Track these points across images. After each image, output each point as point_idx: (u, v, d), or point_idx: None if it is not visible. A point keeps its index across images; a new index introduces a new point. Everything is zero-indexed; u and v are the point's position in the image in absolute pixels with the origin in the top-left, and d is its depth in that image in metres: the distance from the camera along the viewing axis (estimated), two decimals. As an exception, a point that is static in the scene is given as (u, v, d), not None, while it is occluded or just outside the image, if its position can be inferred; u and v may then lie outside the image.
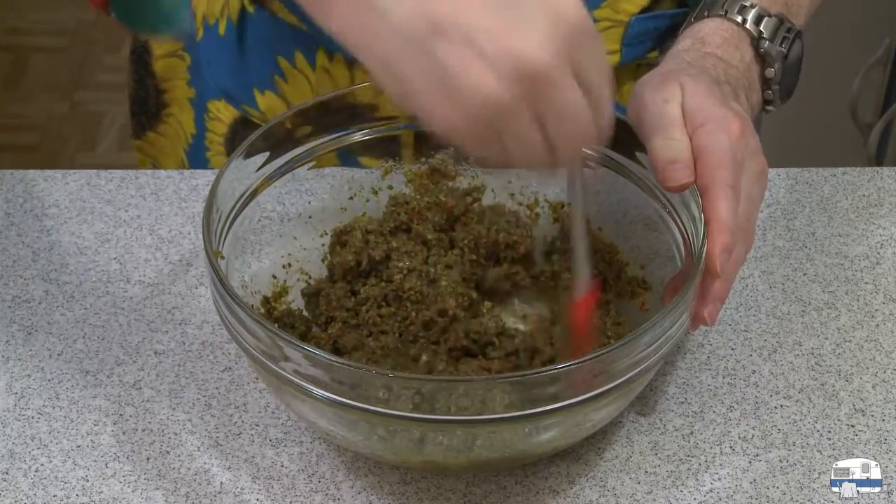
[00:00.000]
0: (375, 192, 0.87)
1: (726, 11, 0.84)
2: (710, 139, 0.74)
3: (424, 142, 0.86)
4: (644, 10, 0.96)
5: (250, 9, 0.99)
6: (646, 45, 0.98)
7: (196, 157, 1.07)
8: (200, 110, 1.05)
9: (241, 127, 1.03)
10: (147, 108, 1.10)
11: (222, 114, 1.04)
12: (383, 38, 0.60)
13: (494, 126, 0.60)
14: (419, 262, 0.81)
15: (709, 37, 0.84)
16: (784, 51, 0.84)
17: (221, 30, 1.01)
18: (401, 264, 0.80)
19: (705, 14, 0.85)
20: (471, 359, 0.78)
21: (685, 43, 0.84)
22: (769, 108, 0.86)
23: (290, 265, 0.84)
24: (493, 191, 0.88)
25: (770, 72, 0.84)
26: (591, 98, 0.63)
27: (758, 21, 0.84)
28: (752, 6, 0.84)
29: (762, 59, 0.84)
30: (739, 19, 0.84)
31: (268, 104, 1.00)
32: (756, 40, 0.84)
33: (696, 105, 0.76)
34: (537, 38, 0.59)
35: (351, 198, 0.87)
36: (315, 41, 0.98)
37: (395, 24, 0.60)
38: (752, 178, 0.76)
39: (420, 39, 0.59)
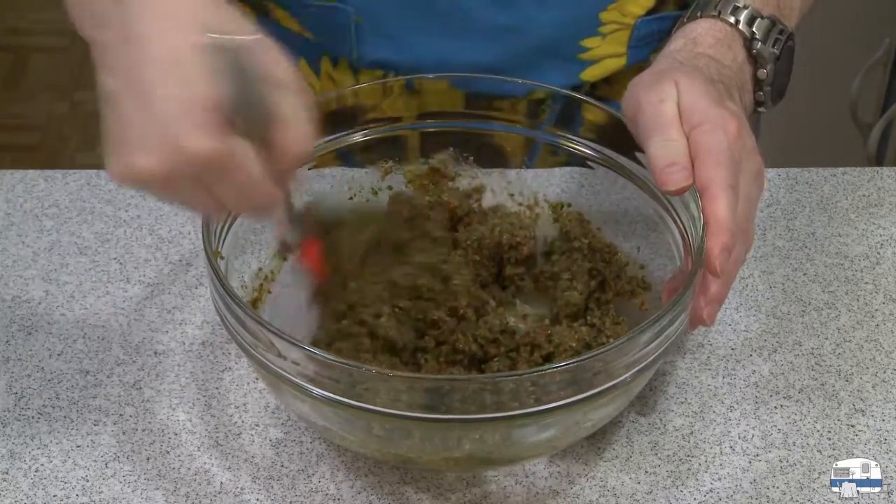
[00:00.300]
0: (375, 193, 0.87)
1: (719, 12, 0.84)
2: (707, 138, 0.74)
3: (425, 143, 0.87)
4: (649, 12, 0.96)
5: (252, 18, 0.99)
6: (651, 48, 0.98)
7: None
8: None
9: None
10: None
11: None
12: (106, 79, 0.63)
13: (163, 190, 0.63)
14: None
15: (701, 37, 0.84)
16: (776, 52, 0.84)
17: None
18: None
19: (698, 14, 0.85)
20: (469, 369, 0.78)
21: (677, 43, 0.84)
22: (761, 108, 0.86)
23: (290, 265, 0.84)
24: (492, 191, 0.88)
25: (762, 73, 0.84)
26: (272, 152, 0.63)
27: (750, 22, 0.84)
28: (745, 7, 0.84)
29: (754, 60, 0.84)
30: (732, 20, 0.84)
31: None
32: (748, 41, 0.84)
33: (693, 103, 0.75)
34: (191, 128, 0.60)
35: (351, 198, 0.87)
36: (319, 49, 0.98)
37: (102, 79, 0.63)
38: (749, 178, 0.75)
39: (110, 99, 0.62)
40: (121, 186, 0.63)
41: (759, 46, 0.84)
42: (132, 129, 0.61)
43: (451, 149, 0.87)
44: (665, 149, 0.74)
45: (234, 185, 0.63)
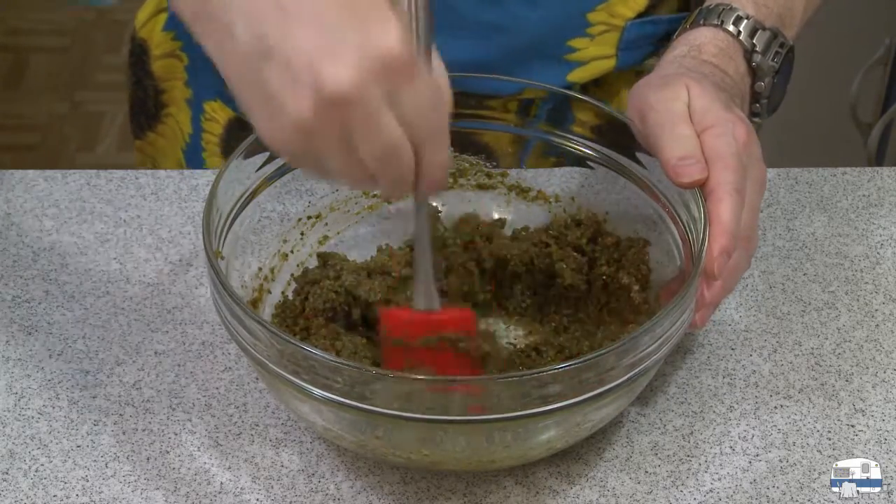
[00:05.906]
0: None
1: (722, 21, 0.85)
2: (718, 142, 0.74)
3: None
4: (641, 15, 0.96)
5: None
6: (644, 51, 0.98)
7: (193, 158, 1.07)
8: (197, 111, 1.05)
9: (237, 128, 1.03)
10: (146, 108, 1.10)
11: (218, 114, 1.04)
12: (230, 57, 0.63)
13: (310, 146, 0.62)
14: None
15: (704, 45, 0.84)
16: (776, 65, 0.85)
17: None
18: None
19: (700, 22, 0.85)
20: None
21: (681, 49, 0.84)
22: (756, 119, 0.86)
23: (290, 265, 0.84)
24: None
25: (760, 86, 0.85)
26: (413, 134, 0.62)
27: (752, 34, 0.84)
28: (748, 17, 0.85)
29: (753, 72, 0.85)
30: (734, 30, 0.84)
31: None
32: (749, 53, 0.84)
33: (705, 107, 0.76)
34: (342, 65, 0.59)
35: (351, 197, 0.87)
36: None
37: (238, 46, 0.62)
38: (754, 185, 0.76)
39: (253, 61, 0.61)
40: (273, 150, 0.64)
41: (758, 59, 0.84)
42: (274, 84, 0.61)
43: (451, 148, 0.87)
44: (678, 142, 0.74)
45: (374, 135, 0.61)
